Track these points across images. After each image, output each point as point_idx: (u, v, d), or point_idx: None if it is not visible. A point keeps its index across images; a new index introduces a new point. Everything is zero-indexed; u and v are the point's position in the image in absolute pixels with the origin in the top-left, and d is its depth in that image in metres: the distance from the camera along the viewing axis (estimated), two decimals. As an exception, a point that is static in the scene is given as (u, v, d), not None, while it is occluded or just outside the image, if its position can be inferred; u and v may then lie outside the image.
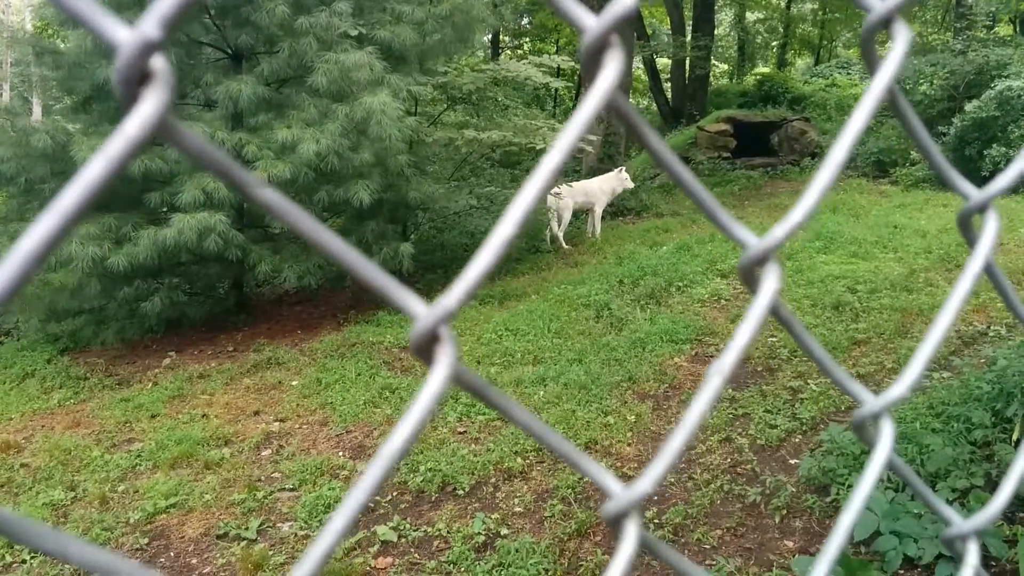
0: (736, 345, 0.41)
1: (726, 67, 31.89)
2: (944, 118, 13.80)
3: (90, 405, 6.76)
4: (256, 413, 6.23)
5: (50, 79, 9.30)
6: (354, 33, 8.64)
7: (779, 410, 5.39)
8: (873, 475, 0.52)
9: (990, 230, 0.55)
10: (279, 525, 4.52)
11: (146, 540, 4.44)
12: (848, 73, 23.75)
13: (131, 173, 7.35)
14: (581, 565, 3.90)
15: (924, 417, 4.62)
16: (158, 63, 0.28)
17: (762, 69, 28.16)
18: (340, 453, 5.40)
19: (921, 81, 15.15)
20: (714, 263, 9.15)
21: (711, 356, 6.66)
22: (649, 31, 23.86)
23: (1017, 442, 3.99)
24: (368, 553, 4.13)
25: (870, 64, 0.45)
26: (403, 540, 4.25)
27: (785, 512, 4.16)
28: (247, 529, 4.44)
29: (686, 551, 3.94)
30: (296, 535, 4.37)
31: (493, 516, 4.38)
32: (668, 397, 5.93)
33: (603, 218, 12.42)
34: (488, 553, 4.06)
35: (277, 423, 5.99)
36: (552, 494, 4.56)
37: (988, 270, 0.55)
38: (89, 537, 4.43)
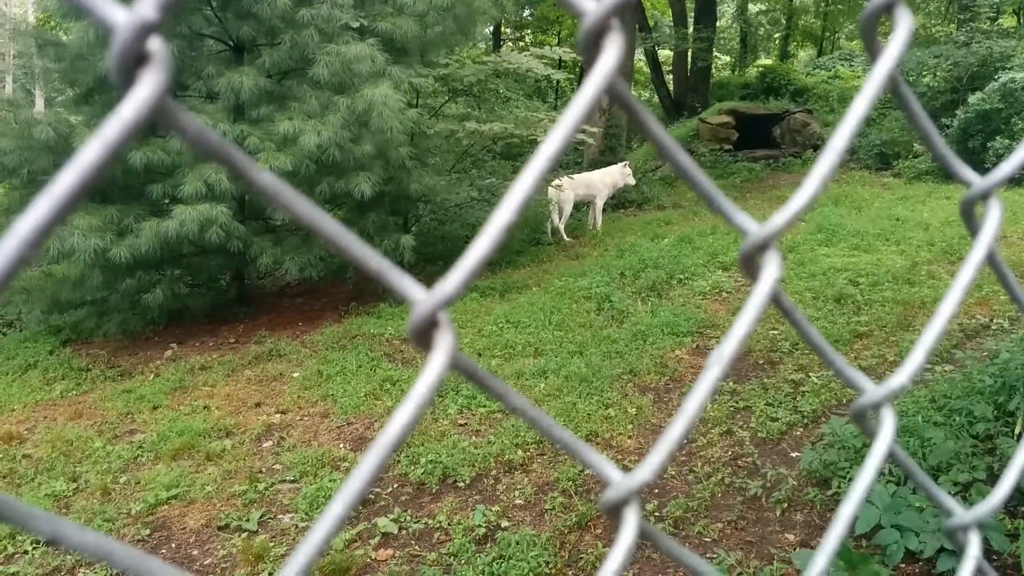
0: (736, 334, 0.41)
1: (728, 59, 31.81)
2: (947, 110, 13.77)
3: (92, 396, 6.77)
4: (257, 405, 6.24)
5: (52, 71, 9.29)
6: (355, 25, 8.62)
7: (780, 403, 5.39)
8: (874, 466, 0.52)
9: (992, 218, 0.54)
10: (280, 517, 4.53)
11: (148, 531, 4.45)
12: (851, 65, 23.68)
13: (133, 165, 7.35)
14: (582, 558, 3.91)
15: (926, 410, 4.62)
16: (155, 45, 0.28)
17: (764, 61, 28.09)
18: (341, 445, 5.41)
19: (924, 73, 15.12)
20: (715, 256, 9.15)
21: (712, 349, 6.64)
22: (651, 23, 23.79)
23: (1019, 435, 3.99)
24: (369, 545, 4.14)
25: (871, 51, 0.45)
26: (404, 532, 4.26)
27: (786, 505, 4.17)
28: (248, 520, 4.44)
29: (687, 544, 3.94)
30: (297, 527, 4.38)
31: (494, 508, 4.39)
32: (669, 390, 5.93)
33: (604, 210, 12.41)
34: (489, 545, 4.06)
35: (278, 415, 6.00)
36: (553, 486, 4.57)
37: (990, 259, 0.54)
38: (91, 528, 4.44)
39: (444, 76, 10.78)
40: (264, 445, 5.50)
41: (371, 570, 3.94)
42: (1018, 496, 3.61)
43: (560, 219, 11.45)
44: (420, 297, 0.34)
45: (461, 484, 4.70)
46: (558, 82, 18.16)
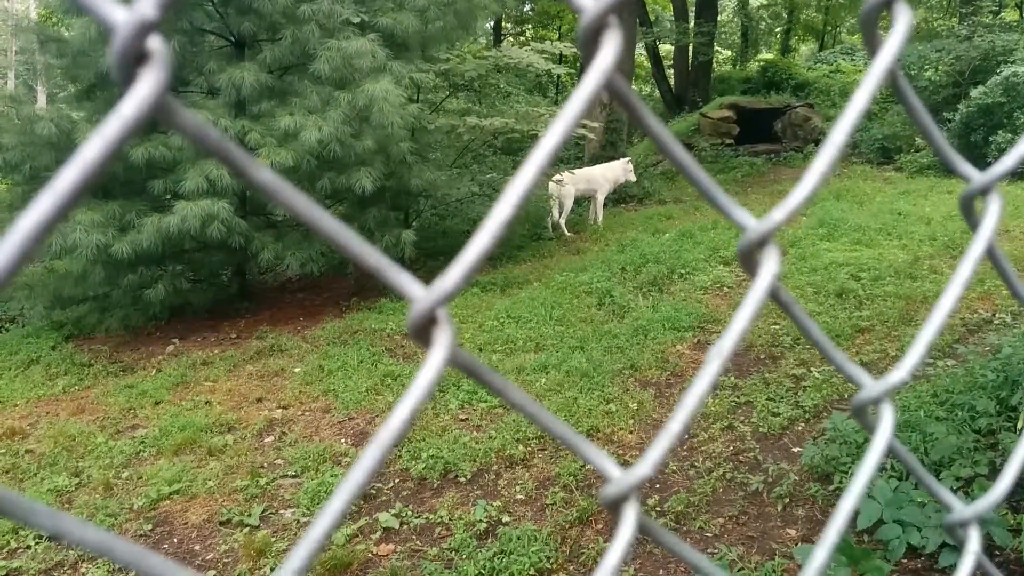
0: (735, 328, 0.41)
1: (729, 53, 31.74)
2: (949, 104, 13.74)
3: (94, 392, 6.78)
4: (259, 400, 6.25)
5: (54, 67, 9.31)
6: (356, 20, 8.61)
7: (782, 398, 5.39)
8: (873, 461, 0.52)
9: (992, 213, 0.54)
10: (282, 512, 4.54)
11: (150, 526, 4.46)
12: (852, 59, 23.62)
13: (135, 161, 7.36)
14: (583, 552, 3.91)
15: (928, 405, 4.62)
16: (155, 43, 0.28)
17: (766, 55, 28.03)
18: (342, 440, 5.42)
19: (926, 67, 15.08)
20: (716, 250, 9.15)
21: (713, 343, 6.66)
22: (652, 17, 23.76)
23: (1021, 430, 3.99)
24: (370, 540, 4.15)
25: (871, 46, 0.45)
26: (405, 527, 4.27)
27: (788, 500, 4.17)
28: (250, 515, 4.46)
29: (688, 539, 3.95)
30: (299, 522, 4.39)
31: (495, 503, 4.39)
32: (670, 385, 5.93)
33: (605, 205, 12.40)
34: (490, 540, 4.07)
35: (280, 410, 6.01)
36: (554, 481, 4.58)
37: (990, 254, 0.54)
38: (93, 523, 4.45)
39: (445, 71, 10.78)
40: (266, 440, 5.51)
41: (372, 565, 3.95)
42: (1020, 491, 3.61)
43: (561, 214, 11.44)
44: (419, 294, 0.34)
45: (462, 479, 4.71)
46: (559, 77, 18.12)
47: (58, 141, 7.60)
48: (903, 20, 0.44)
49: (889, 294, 7.08)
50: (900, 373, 0.51)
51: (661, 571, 3.71)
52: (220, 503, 4.65)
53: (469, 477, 4.72)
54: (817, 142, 16.26)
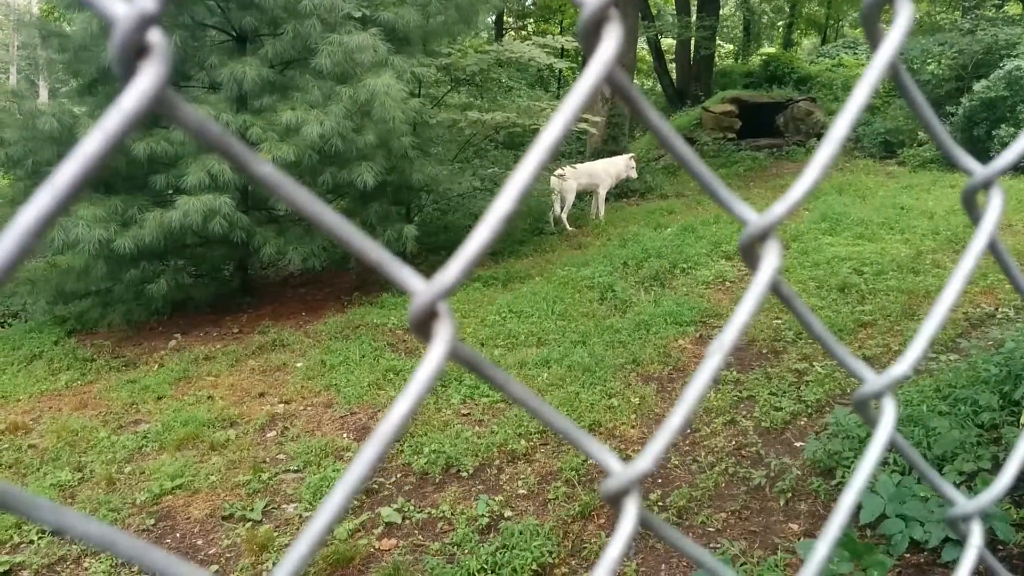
0: (736, 322, 0.41)
1: (731, 47, 31.66)
2: (952, 98, 13.72)
3: (97, 387, 6.80)
4: (261, 395, 6.26)
5: (56, 62, 9.30)
6: (358, 15, 8.61)
7: (784, 392, 5.39)
8: (875, 454, 0.52)
9: (994, 207, 0.54)
10: (284, 506, 4.55)
11: (152, 521, 4.47)
12: (855, 53, 23.52)
13: (137, 155, 7.36)
14: (585, 547, 3.92)
15: (931, 400, 4.62)
16: (155, 37, 0.28)
17: (768, 49, 27.93)
18: (344, 435, 5.43)
19: (929, 61, 15.06)
20: (719, 245, 9.14)
21: (715, 337, 6.66)
22: (654, 11, 23.70)
23: None
24: (372, 534, 4.16)
25: (872, 39, 0.45)
26: (407, 522, 4.28)
27: (790, 495, 4.17)
28: (252, 510, 4.46)
29: (690, 534, 3.95)
30: (301, 516, 4.40)
31: (497, 498, 4.40)
32: (672, 379, 5.93)
33: (607, 200, 12.38)
34: (492, 535, 4.08)
35: (282, 405, 6.02)
36: (556, 476, 4.58)
37: (992, 247, 0.54)
38: (96, 518, 4.46)
39: (446, 65, 10.77)
40: (268, 435, 5.52)
41: (374, 560, 3.96)
42: (1023, 485, 3.61)
43: (562, 209, 11.43)
44: (419, 288, 0.34)
45: (464, 474, 4.71)
46: (560, 71, 18.12)
47: (60, 136, 7.61)
48: (904, 13, 0.44)
49: (891, 289, 7.07)
50: (902, 367, 0.51)
51: (663, 566, 3.72)
52: (222, 498, 4.66)
53: (471, 472, 4.73)
54: (819, 136, 16.23)
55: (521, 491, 4.49)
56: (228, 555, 4.12)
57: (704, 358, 0.42)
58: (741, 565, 3.63)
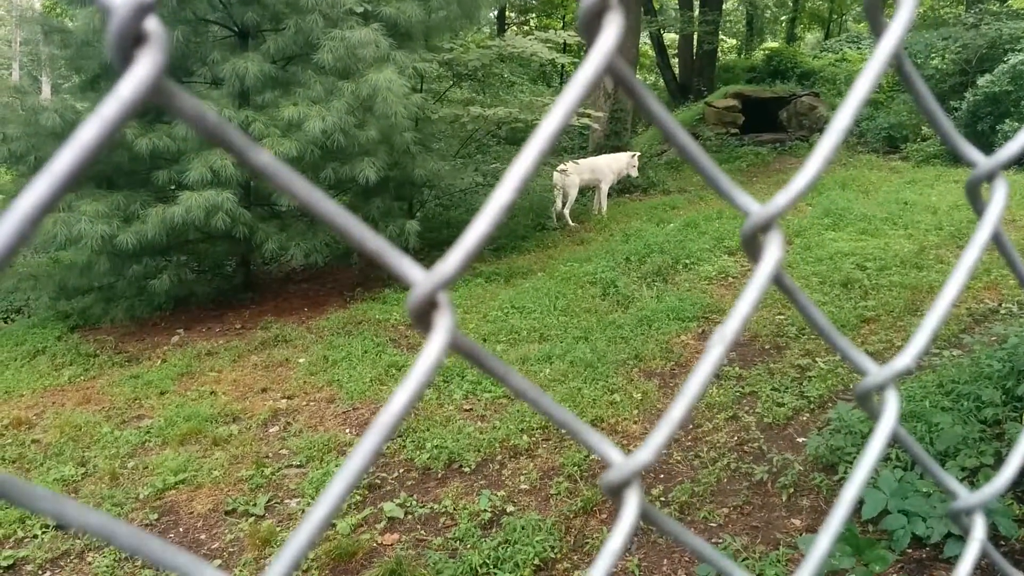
0: (739, 313, 0.41)
1: (734, 42, 31.59)
2: (956, 93, 13.67)
3: (100, 382, 6.81)
4: (264, 390, 6.27)
5: (59, 58, 9.30)
6: (359, 10, 8.59)
7: (786, 388, 5.39)
8: (877, 448, 0.52)
9: (998, 199, 0.54)
10: (287, 501, 4.56)
11: (155, 516, 4.48)
12: (858, 47, 23.48)
13: (139, 151, 7.37)
14: (587, 542, 3.92)
15: (933, 395, 4.61)
16: (152, 25, 0.28)
17: (771, 44, 27.87)
18: (347, 430, 5.44)
19: (933, 55, 15.00)
20: (721, 240, 9.12)
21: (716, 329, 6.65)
22: (656, 5, 23.63)
23: (1025, 419, 3.98)
24: (375, 529, 4.17)
25: (876, 31, 0.44)
26: (409, 517, 4.28)
27: (792, 490, 4.17)
28: (255, 505, 4.47)
29: (692, 529, 3.96)
30: (304, 511, 4.41)
31: (499, 493, 4.40)
32: (675, 375, 5.93)
33: (609, 195, 12.36)
34: (494, 530, 4.08)
35: (284, 400, 6.03)
36: (558, 471, 4.58)
37: (996, 239, 0.54)
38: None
39: (448, 61, 10.76)
40: (270, 430, 5.53)
41: (377, 554, 3.97)
42: (1024, 480, 3.60)
43: (565, 204, 11.41)
44: (419, 278, 0.34)
45: (467, 469, 4.72)
46: (563, 66, 18.06)
47: (62, 132, 7.61)
48: (907, 4, 0.44)
49: (895, 284, 7.06)
50: (904, 360, 0.51)
51: (665, 560, 3.72)
52: (225, 493, 4.67)
53: (473, 467, 4.73)
54: (822, 131, 16.07)
55: (523, 486, 4.49)
56: (231, 549, 4.13)
57: (706, 350, 0.41)
58: (743, 560, 3.63)
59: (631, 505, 0.40)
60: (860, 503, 3.60)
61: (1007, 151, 0.54)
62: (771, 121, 16.96)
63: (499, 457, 4.83)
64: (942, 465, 3.88)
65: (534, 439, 4.99)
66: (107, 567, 3.96)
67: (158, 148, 7.47)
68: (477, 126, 11.19)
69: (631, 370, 6.01)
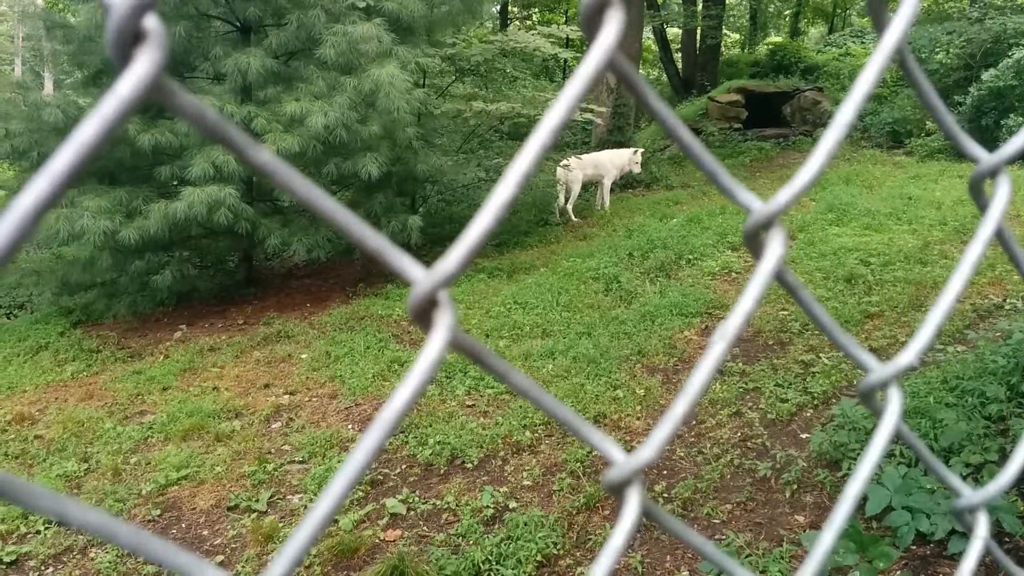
0: (741, 309, 0.41)
1: (738, 37, 31.54)
2: (960, 87, 13.64)
3: (103, 378, 6.82)
4: (266, 386, 6.27)
5: (61, 53, 9.32)
6: (362, 5, 8.58)
7: (790, 384, 5.38)
8: (880, 445, 0.51)
9: (1001, 195, 0.54)
10: (289, 497, 4.56)
11: (158, 511, 4.49)
12: (862, 42, 23.40)
13: (141, 147, 7.37)
14: (590, 539, 3.93)
15: (938, 391, 4.60)
16: (151, 23, 0.28)
17: (774, 38, 27.81)
18: (349, 426, 5.44)
19: (937, 50, 14.96)
20: (725, 236, 9.11)
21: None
22: (660, 0, 23.59)
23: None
24: (377, 525, 4.17)
25: (879, 25, 0.44)
26: (412, 513, 4.29)
27: (796, 487, 4.17)
28: (257, 501, 4.48)
29: (695, 525, 3.96)
30: (306, 507, 4.41)
31: (502, 489, 4.41)
32: (678, 371, 5.93)
33: (612, 190, 12.35)
34: (497, 526, 4.09)
35: (287, 396, 6.03)
36: (561, 468, 4.59)
37: (1000, 235, 0.54)
38: (102, 509, 4.48)
39: (451, 56, 10.74)
40: (273, 426, 5.54)
41: (379, 550, 3.97)
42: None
43: (567, 199, 11.40)
44: (419, 276, 0.33)
45: (469, 465, 4.72)
46: (565, 61, 18.03)
47: (65, 127, 7.61)
48: (913, -2, 0.44)
49: (899, 279, 7.05)
50: (908, 356, 0.51)
51: (668, 557, 3.73)
52: (228, 488, 4.68)
53: (476, 463, 4.74)
54: (826, 126, 16.13)
55: (526, 482, 4.49)
56: (233, 545, 4.13)
57: (708, 346, 0.41)
58: (746, 557, 3.63)
59: (633, 503, 0.40)
60: (864, 500, 3.60)
61: (1011, 147, 0.54)
62: (775, 116, 16.93)
63: (501, 453, 4.83)
64: (946, 462, 3.88)
65: (537, 435, 4.99)
66: (109, 563, 3.97)
67: (160, 144, 7.47)
68: (479, 121, 11.18)
69: (634, 366, 6.01)
